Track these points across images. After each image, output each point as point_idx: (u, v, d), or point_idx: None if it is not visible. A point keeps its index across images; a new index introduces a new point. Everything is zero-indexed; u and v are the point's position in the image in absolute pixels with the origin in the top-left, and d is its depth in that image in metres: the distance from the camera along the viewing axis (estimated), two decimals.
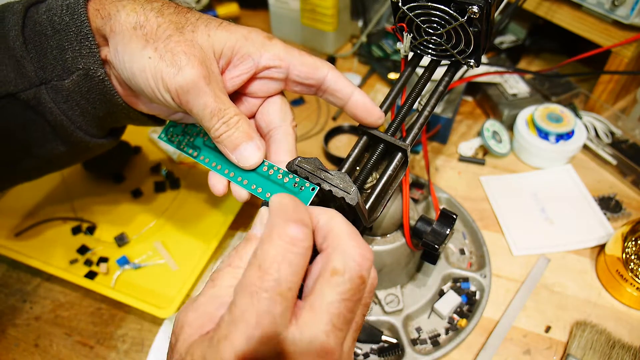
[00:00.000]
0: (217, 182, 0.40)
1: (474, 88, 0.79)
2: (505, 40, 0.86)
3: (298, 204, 0.29)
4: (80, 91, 0.38)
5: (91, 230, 0.61)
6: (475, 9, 0.36)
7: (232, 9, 0.99)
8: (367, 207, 0.39)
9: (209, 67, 0.36)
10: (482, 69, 0.68)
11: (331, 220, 0.29)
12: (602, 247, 0.57)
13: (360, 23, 0.93)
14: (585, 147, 0.70)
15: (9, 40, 0.37)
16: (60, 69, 0.37)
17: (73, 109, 0.39)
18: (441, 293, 0.55)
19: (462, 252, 0.59)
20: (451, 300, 0.53)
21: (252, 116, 0.42)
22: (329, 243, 0.28)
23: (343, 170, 0.40)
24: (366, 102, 0.39)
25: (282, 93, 0.42)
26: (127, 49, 0.35)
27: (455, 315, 0.53)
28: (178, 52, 0.34)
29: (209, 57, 0.36)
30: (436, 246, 0.46)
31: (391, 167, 0.40)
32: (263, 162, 0.38)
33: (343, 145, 0.75)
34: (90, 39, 0.36)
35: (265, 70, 0.39)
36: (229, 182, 0.40)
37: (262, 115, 0.41)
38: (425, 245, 0.47)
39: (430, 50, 0.43)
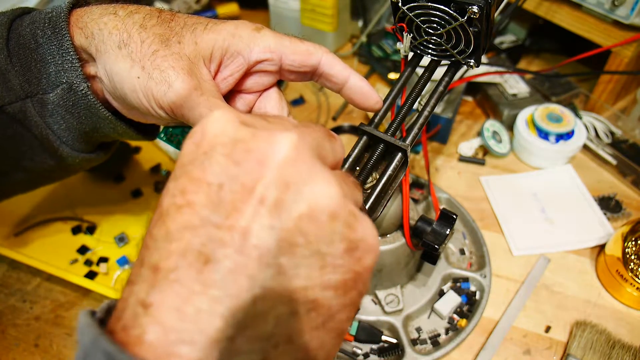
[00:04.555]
0: None
1: (474, 88, 0.79)
2: (505, 40, 0.86)
3: None
4: (65, 105, 0.38)
5: (91, 230, 0.61)
6: (475, 9, 0.36)
7: (232, 9, 0.99)
8: (367, 207, 0.39)
9: (199, 76, 0.35)
10: (482, 69, 0.68)
11: None
12: (602, 247, 0.57)
13: (360, 23, 0.93)
14: (585, 147, 0.70)
15: None
16: (44, 82, 0.37)
17: (58, 123, 0.39)
18: (441, 293, 0.55)
19: (462, 252, 0.59)
20: (451, 300, 0.53)
21: (249, 111, 0.42)
22: None
23: (343, 171, 0.40)
24: (363, 86, 0.38)
25: (278, 87, 0.41)
26: (115, 70, 0.34)
27: (455, 315, 0.53)
28: (166, 68, 0.34)
29: (198, 66, 0.35)
30: (436, 246, 0.46)
31: (391, 167, 0.40)
32: None
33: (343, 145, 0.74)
34: (72, 53, 0.36)
35: (257, 65, 0.38)
36: None
37: (259, 111, 0.41)
38: (425, 245, 0.47)
39: (430, 50, 0.43)
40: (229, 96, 0.40)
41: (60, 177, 0.47)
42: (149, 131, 0.44)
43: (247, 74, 0.39)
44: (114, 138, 0.44)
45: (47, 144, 0.40)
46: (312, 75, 0.39)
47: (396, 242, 0.49)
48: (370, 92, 0.39)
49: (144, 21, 0.35)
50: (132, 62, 0.34)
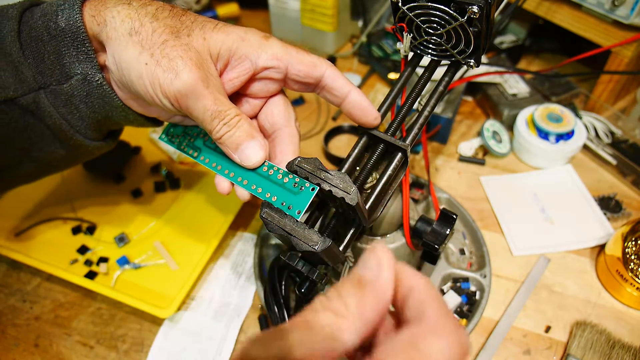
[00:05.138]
0: (223, 181, 0.40)
1: (474, 88, 0.79)
2: (505, 40, 0.86)
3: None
4: (79, 95, 0.38)
5: (91, 230, 0.61)
6: (475, 9, 0.36)
7: (232, 9, 0.99)
8: (367, 207, 0.39)
9: (207, 69, 0.36)
10: (482, 69, 0.68)
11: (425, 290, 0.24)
12: (602, 247, 0.57)
13: (360, 23, 0.93)
14: (585, 147, 0.70)
15: (6, 46, 0.36)
16: (58, 73, 0.37)
17: (72, 113, 0.39)
18: (441, 293, 0.55)
19: (462, 252, 0.59)
20: (451, 300, 0.53)
21: (254, 116, 0.42)
22: (420, 316, 0.23)
23: (343, 170, 0.40)
24: (362, 102, 0.39)
25: (283, 93, 0.42)
26: (124, 56, 0.35)
27: (455, 315, 0.53)
28: (174, 57, 0.34)
29: (206, 60, 0.36)
30: (436, 246, 0.46)
31: (391, 167, 0.40)
32: (263, 162, 0.38)
33: (343, 145, 0.75)
34: (87, 44, 0.36)
35: (263, 71, 0.38)
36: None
37: (266, 116, 0.41)
38: (425, 245, 0.47)
39: (430, 50, 0.43)
40: (236, 99, 0.40)
41: (68, 166, 0.47)
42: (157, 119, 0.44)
43: (253, 79, 0.39)
44: (124, 125, 0.44)
45: (60, 134, 0.40)
46: (315, 87, 0.40)
47: (396, 242, 0.49)
48: (369, 108, 0.39)
49: (156, 12, 0.36)
50: (141, 48, 0.34)
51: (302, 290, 0.41)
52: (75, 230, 0.61)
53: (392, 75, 0.82)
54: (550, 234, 0.60)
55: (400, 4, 0.39)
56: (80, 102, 0.39)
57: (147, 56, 0.34)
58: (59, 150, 0.42)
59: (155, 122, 0.44)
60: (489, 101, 0.76)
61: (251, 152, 0.37)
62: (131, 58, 0.35)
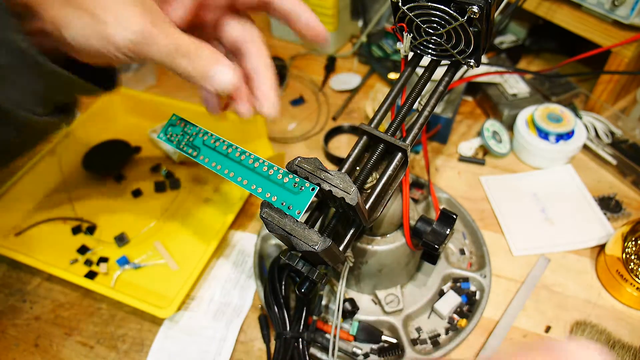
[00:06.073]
0: (212, 97, 0.39)
1: (474, 88, 0.79)
2: (505, 40, 0.86)
3: None
4: (11, 66, 0.35)
5: (91, 230, 0.61)
6: (475, 9, 0.36)
7: None
8: (367, 207, 0.39)
9: (149, 8, 0.34)
10: (482, 69, 0.68)
11: None
12: (602, 247, 0.57)
13: (360, 23, 0.93)
14: (585, 147, 0.70)
15: None
16: None
17: (7, 87, 0.36)
18: (441, 293, 0.55)
19: (462, 252, 0.59)
20: (451, 300, 0.53)
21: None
22: None
23: (343, 170, 0.40)
24: (309, 18, 0.38)
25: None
26: (61, 19, 0.33)
27: (455, 315, 0.53)
28: (116, 9, 0.32)
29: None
30: (436, 246, 0.46)
31: (391, 167, 0.40)
32: (263, 162, 0.38)
33: (343, 145, 0.75)
34: (12, 10, 0.33)
35: None
36: (225, 103, 0.40)
37: (223, 35, 0.40)
38: (425, 245, 0.47)
39: (430, 50, 0.43)
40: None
41: (25, 149, 0.44)
42: (107, 80, 0.42)
43: (202, 9, 0.38)
44: (73, 94, 0.42)
45: (2, 115, 0.37)
46: (265, 5, 0.39)
47: (396, 242, 0.49)
48: (316, 24, 0.39)
49: None
50: (77, 8, 0.33)
51: (302, 290, 0.41)
52: (75, 230, 0.61)
53: (392, 75, 0.82)
54: (550, 234, 0.60)
55: (400, 4, 0.39)
56: (13, 73, 0.36)
57: (87, 16, 0.32)
58: (10, 132, 0.39)
59: (106, 88, 0.42)
60: (489, 101, 0.76)
61: (221, 77, 0.35)
62: (70, 21, 0.33)
